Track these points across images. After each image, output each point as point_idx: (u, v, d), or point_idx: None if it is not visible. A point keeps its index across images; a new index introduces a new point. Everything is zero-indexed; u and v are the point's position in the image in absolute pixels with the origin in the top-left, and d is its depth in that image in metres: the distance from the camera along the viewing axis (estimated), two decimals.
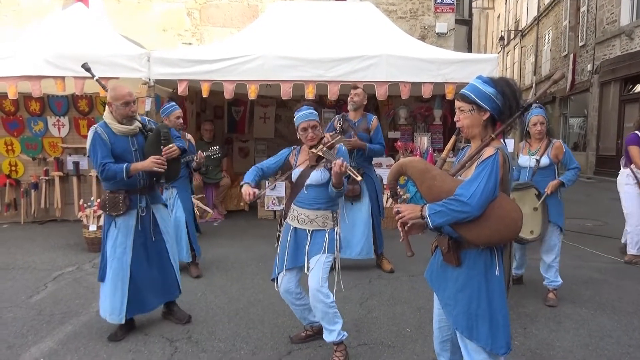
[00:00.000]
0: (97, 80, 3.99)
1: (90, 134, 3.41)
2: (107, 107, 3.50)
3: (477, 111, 2.20)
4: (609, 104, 15.86)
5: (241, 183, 3.23)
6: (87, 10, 7.93)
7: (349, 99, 5.18)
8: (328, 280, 3.14)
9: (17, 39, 7.06)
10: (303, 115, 3.19)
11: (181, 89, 6.63)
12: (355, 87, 5.20)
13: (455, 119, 2.28)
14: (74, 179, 7.61)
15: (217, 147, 5.37)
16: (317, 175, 3.16)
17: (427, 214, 2.14)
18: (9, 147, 7.75)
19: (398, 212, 2.24)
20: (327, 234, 3.16)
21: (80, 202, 6.33)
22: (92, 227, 5.91)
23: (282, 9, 8.08)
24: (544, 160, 4.29)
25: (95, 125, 3.43)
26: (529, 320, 3.89)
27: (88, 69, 4.06)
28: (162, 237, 3.71)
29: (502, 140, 2.24)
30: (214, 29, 12.46)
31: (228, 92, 6.68)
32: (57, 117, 7.76)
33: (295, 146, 3.39)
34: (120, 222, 3.48)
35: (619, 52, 15.06)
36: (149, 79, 6.54)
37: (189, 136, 5.50)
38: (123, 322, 3.50)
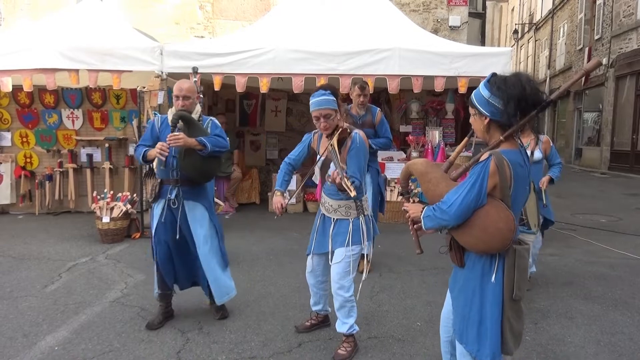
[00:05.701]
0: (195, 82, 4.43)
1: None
2: None
3: (478, 115, 2.13)
4: (624, 98, 15.64)
5: (274, 190, 3.26)
6: (101, 4, 7.97)
7: (356, 98, 4.92)
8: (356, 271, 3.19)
9: (32, 32, 7.11)
10: (315, 103, 2.99)
11: None
12: (363, 88, 4.90)
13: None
14: (88, 171, 7.70)
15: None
16: (334, 168, 3.02)
17: (422, 216, 2.17)
18: (24, 139, 7.87)
19: (406, 211, 2.30)
20: (350, 224, 3.12)
21: (94, 194, 6.39)
22: (106, 219, 5.97)
23: (295, 2, 8.04)
24: (537, 155, 4.46)
25: (160, 115, 3.79)
26: (540, 315, 3.88)
27: (195, 72, 4.49)
28: (190, 236, 3.58)
29: (519, 142, 2.12)
30: (226, 22, 12.50)
31: (240, 85, 6.68)
32: (71, 110, 7.84)
33: (315, 130, 3.21)
34: (154, 208, 3.68)
35: (635, 45, 14.82)
36: (162, 72, 6.55)
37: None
38: (156, 296, 3.72)
